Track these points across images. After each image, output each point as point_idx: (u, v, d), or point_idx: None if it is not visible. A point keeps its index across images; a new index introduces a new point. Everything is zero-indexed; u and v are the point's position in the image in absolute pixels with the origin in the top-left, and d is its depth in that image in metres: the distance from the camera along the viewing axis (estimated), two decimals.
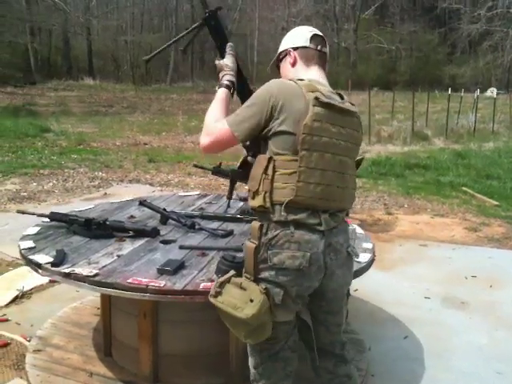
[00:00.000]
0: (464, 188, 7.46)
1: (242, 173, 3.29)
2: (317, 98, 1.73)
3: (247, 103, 1.84)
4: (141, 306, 2.51)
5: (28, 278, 3.86)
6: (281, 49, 2.03)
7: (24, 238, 2.68)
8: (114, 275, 2.17)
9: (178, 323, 2.58)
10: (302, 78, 1.85)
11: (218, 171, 3.34)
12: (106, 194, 6.66)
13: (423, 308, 3.70)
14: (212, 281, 2.15)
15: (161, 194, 6.46)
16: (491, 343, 3.22)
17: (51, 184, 7.06)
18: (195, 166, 3.49)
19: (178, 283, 2.12)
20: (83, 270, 2.19)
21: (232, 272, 1.86)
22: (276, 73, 2.10)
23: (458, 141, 12.52)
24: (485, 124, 15.18)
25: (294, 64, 1.97)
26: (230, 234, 2.81)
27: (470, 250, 5.00)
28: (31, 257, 2.38)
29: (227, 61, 2.13)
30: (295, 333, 1.91)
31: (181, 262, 2.31)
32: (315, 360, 1.94)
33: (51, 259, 2.32)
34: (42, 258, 2.34)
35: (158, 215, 3.06)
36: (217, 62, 2.16)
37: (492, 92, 26.36)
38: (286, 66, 2.00)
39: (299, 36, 1.98)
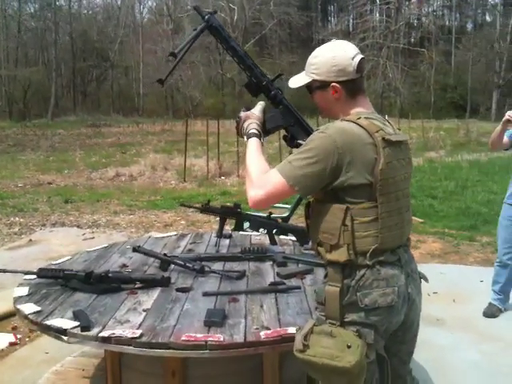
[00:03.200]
0: None
1: (233, 210, 3.21)
2: (384, 139, 1.65)
3: (305, 153, 1.66)
4: (168, 364, 2.29)
5: None
6: (317, 76, 1.78)
7: (19, 300, 2.33)
8: (161, 333, 1.95)
9: (209, 378, 2.38)
10: (359, 115, 1.72)
11: (207, 209, 3.20)
12: (31, 240, 6.08)
13: None
14: (267, 328, 2.02)
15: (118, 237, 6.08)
16: (484, 358, 3.34)
17: None
18: (182, 205, 3.29)
19: (236, 335, 1.95)
20: (124, 331, 1.95)
21: (312, 321, 1.75)
22: (306, 93, 1.89)
23: None
24: None
25: (339, 98, 1.77)
26: (243, 274, 2.67)
27: (420, 267, 5.15)
28: (48, 322, 2.07)
29: (255, 110, 2.02)
30: (376, 369, 1.82)
31: (223, 311, 2.14)
32: None
33: (75, 323, 2.04)
34: (63, 323, 2.05)
35: (152, 260, 2.86)
36: (242, 112, 2.03)
37: None
38: (327, 97, 1.79)
39: (345, 66, 1.73)
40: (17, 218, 7.15)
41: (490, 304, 4.06)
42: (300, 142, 2.04)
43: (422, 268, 5.20)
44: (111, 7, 45.76)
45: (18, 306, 2.26)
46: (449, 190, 9.31)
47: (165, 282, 2.50)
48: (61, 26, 38.40)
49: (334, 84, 1.76)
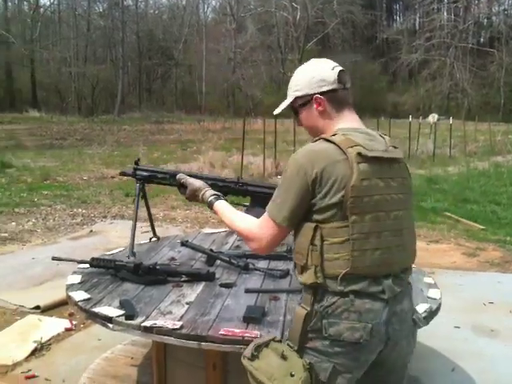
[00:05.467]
0: (447, 213, 7.60)
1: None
2: (360, 154, 1.53)
3: (282, 186, 1.62)
4: (209, 357, 2.34)
5: (42, 328, 3.56)
6: (299, 92, 1.71)
7: (71, 288, 2.44)
8: (201, 326, 2.00)
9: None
10: (337, 132, 1.62)
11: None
12: (91, 231, 6.35)
13: (458, 338, 3.66)
14: None
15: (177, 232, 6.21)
16: None
17: (31, 223, 6.69)
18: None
19: (274, 333, 1.96)
20: (165, 322, 2.01)
21: (272, 335, 1.70)
22: (293, 115, 1.83)
23: (422, 166, 12.87)
24: (441, 149, 15.71)
25: (323, 112, 1.69)
26: (286, 273, 2.68)
27: (477, 276, 5.05)
28: (95, 309, 2.16)
29: (195, 184, 2.15)
30: None
31: (263, 308, 2.16)
32: None
33: (120, 311, 2.12)
34: (110, 311, 2.13)
35: (199, 255, 2.92)
36: (186, 194, 2.19)
37: (433, 117, 27.36)
38: (312, 114, 1.71)
39: (325, 77, 1.67)
40: (80, 210, 7.48)
41: None
42: None
43: (479, 277, 5.05)
44: (176, 7, 46.78)
45: (70, 293, 2.37)
46: None
47: (209, 277, 2.55)
48: (128, 25, 39.53)
49: (316, 96, 1.68)
